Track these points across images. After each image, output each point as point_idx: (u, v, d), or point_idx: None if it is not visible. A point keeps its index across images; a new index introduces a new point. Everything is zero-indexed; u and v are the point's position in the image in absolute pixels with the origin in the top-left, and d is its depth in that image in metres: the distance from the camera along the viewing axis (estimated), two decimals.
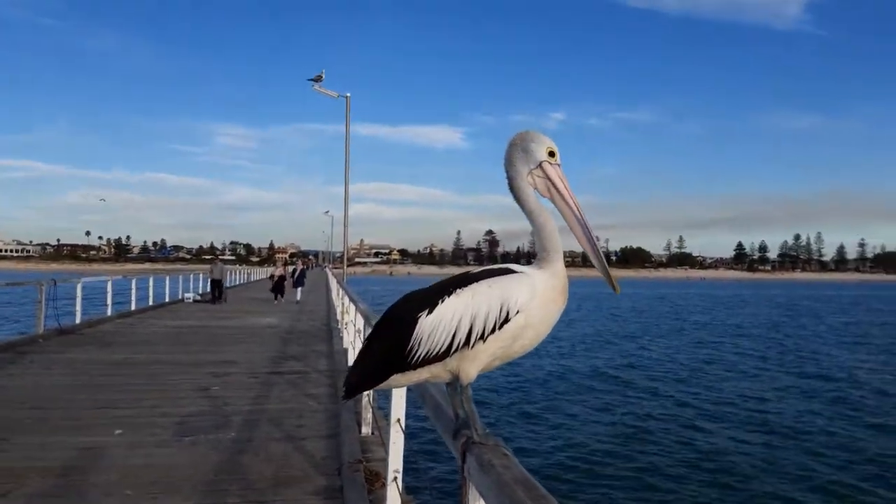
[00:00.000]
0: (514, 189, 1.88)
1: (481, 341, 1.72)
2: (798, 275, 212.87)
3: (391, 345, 1.77)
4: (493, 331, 1.71)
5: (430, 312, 1.73)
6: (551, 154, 1.86)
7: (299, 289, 26.39)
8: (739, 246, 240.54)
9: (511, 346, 1.77)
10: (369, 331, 2.00)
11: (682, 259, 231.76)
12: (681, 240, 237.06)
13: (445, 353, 1.73)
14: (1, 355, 10.17)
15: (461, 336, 1.71)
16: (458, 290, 1.75)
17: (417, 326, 1.72)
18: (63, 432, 5.96)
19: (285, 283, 26.28)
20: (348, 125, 22.08)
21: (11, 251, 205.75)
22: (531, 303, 1.72)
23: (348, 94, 22.12)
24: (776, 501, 9.22)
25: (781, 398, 16.47)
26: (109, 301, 17.64)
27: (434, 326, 1.71)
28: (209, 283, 25.21)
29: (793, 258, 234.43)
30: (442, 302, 1.74)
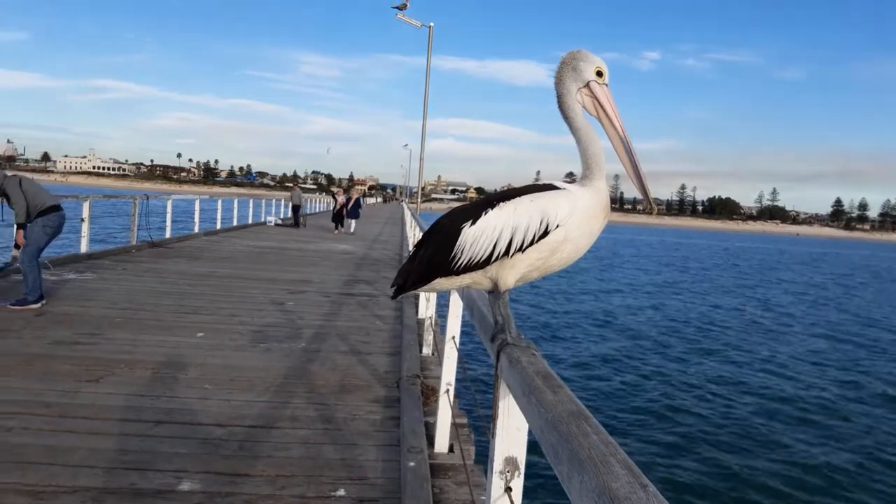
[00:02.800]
0: (562, 107, 1.92)
1: (520, 252, 1.80)
2: None
3: (437, 252, 1.88)
4: (531, 243, 1.79)
5: (473, 223, 1.82)
6: (599, 74, 1.88)
7: (353, 221, 24.84)
8: (838, 202, 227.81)
9: (549, 259, 1.85)
10: None
11: (773, 212, 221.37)
12: (774, 192, 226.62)
13: (486, 262, 1.83)
14: (98, 262, 11.01)
15: (501, 246, 1.80)
16: (501, 204, 1.83)
17: (461, 236, 1.82)
18: (150, 331, 6.48)
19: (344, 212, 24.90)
20: (430, 55, 21.99)
21: (109, 169, 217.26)
22: (571, 218, 1.78)
23: (431, 24, 22.00)
24: None
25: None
26: (197, 219, 18.62)
27: (477, 236, 1.81)
28: (289, 209, 26.00)
29: (894, 218, 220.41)
30: (485, 214, 1.82)
